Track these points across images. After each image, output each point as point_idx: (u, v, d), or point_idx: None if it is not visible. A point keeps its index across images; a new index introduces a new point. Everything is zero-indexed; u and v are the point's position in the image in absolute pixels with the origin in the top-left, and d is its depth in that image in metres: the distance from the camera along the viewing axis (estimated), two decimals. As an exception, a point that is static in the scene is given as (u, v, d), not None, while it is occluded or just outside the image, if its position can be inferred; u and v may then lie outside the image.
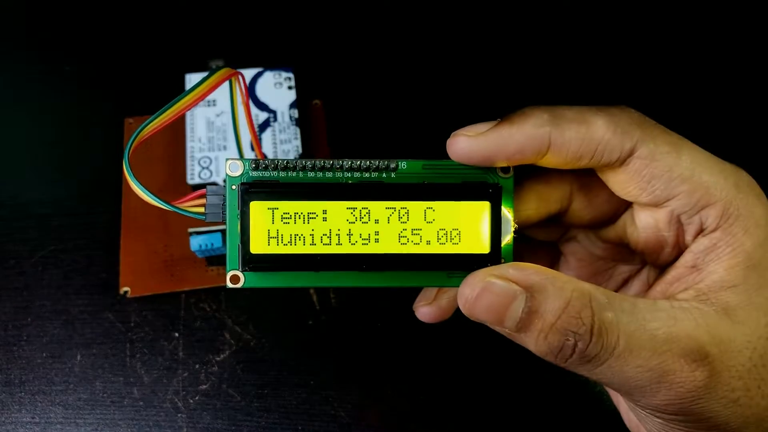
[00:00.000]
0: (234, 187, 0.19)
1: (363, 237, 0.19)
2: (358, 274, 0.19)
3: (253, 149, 0.35)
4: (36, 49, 0.40)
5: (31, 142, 0.37)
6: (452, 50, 0.40)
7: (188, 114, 0.35)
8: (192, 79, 0.36)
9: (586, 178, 0.20)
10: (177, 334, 0.32)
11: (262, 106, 0.36)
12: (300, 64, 0.37)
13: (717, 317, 0.17)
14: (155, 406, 0.30)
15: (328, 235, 0.19)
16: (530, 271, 0.17)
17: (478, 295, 0.17)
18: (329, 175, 0.19)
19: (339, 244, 0.19)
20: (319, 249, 0.19)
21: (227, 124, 0.35)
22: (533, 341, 0.17)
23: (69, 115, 0.37)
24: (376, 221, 0.19)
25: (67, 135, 0.37)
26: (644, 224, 0.20)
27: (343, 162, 0.19)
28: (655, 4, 0.41)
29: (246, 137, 0.35)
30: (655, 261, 0.21)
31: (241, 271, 0.19)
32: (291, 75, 0.36)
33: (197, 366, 0.31)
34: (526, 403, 0.30)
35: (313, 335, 0.32)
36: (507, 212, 0.19)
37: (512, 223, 0.19)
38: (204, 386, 0.30)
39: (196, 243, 0.30)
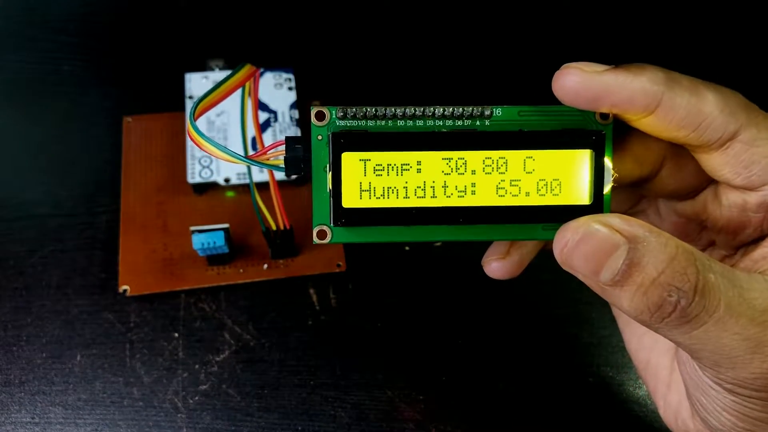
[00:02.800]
0: (320, 137, 0.18)
1: (459, 189, 0.18)
2: (453, 228, 0.18)
3: (255, 147, 0.35)
4: (36, 49, 0.40)
5: (30, 142, 0.37)
6: (452, 50, 0.40)
7: (188, 113, 0.35)
8: (192, 78, 0.36)
9: (679, 147, 0.20)
10: (177, 335, 0.32)
11: (263, 107, 0.36)
12: (300, 64, 0.37)
13: None
14: (155, 407, 0.30)
15: (422, 187, 0.18)
16: (635, 223, 0.16)
17: (579, 241, 0.17)
18: (420, 123, 0.18)
19: (434, 196, 0.18)
20: (414, 202, 0.18)
21: (227, 123, 0.35)
22: (629, 297, 0.16)
23: (69, 115, 0.37)
24: (473, 172, 0.18)
25: (67, 135, 0.37)
26: (731, 203, 0.19)
27: (435, 109, 0.18)
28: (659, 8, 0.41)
29: (249, 133, 0.35)
30: (731, 241, 0.20)
31: (332, 226, 0.18)
32: (291, 76, 0.36)
33: (197, 366, 0.31)
34: (530, 405, 0.30)
35: (313, 335, 0.32)
36: (608, 162, 0.18)
37: (612, 172, 0.18)
38: (204, 386, 0.30)
39: (198, 241, 0.30)
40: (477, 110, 0.18)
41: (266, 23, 0.41)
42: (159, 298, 0.32)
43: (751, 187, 0.18)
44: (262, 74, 0.36)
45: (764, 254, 0.19)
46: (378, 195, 0.18)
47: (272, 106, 0.36)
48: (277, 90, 0.36)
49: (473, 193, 0.18)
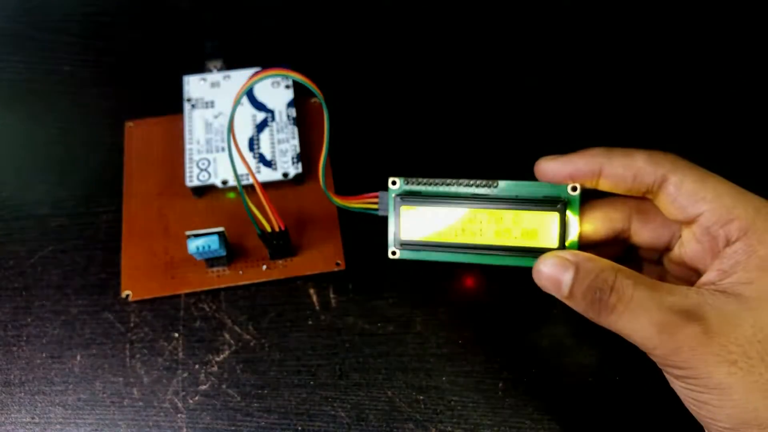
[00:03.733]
0: (393, 195, 0.27)
1: (473, 232, 0.27)
2: (469, 254, 0.27)
3: (252, 146, 0.35)
4: (36, 49, 0.40)
5: (30, 142, 0.37)
6: (451, 49, 0.40)
7: (186, 116, 0.35)
8: (190, 81, 0.36)
9: (645, 206, 0.26)
10: (177, 335, 0.32)
11: (260, 106, 0.36)
12: (297, 63, 0.37)
13: (726, 299, 0.22)
14: (155, 407, 0.30)
15: (450, 230, 0.27)
16: (579, 254, 0.24)
17: (542, 268, 0.24)
18: (452, 189, 0.27)
19: (457, 235, 0.27)
20: (444, 238, 0.27)
21: (225, 125, 0.35)
22: (577, 302, 0.24)
23: (69, 116, 0.37)
24: (481, 222, 0.27)
25: (67, 135, 0.37)
26: (686, 239, 0.25)
27: (462, 180, 0.27)
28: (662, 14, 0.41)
29: (242, 139, 0.35)
30: (702, 271, 0.25)
31: (397, 249, 0.28)
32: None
33: (197, 366, 0.31)
34: (529, 405, 0.30)
35: (313, 335, 0.32)
36: (574, 219, 0.26)
37: (579, 224, 0.26)
38: (204, 386, 0.30)
39: (193, 246, 0.30)
40: (488, 182, 0.27)
41: (264, 23, 0.41)
42: (159, 299, 0.32)
43: (689, 219, 0.24)
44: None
45: (708, 279, 0.24)
46: (423, 232, 0.27)
47: (269, 105, 0.36)
48: (273, 89, 0.36)
49: (481, 235, 0.27)
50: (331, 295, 0.33)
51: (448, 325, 0.32)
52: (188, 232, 0.31)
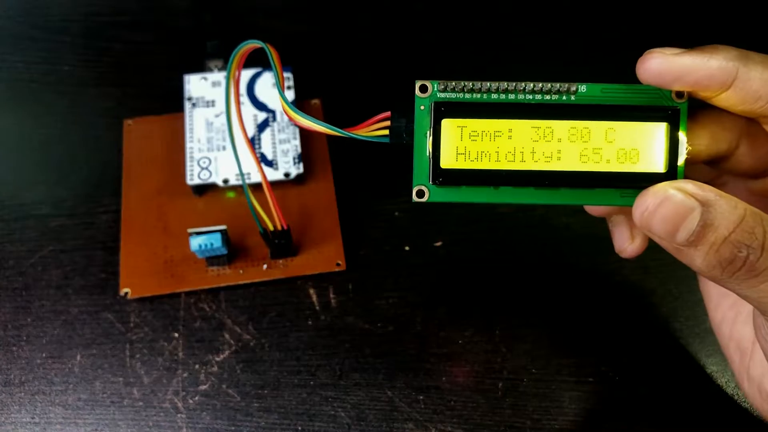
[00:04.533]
0: (422, 107, 0.20)
1: (546, 155, 0.20)
2: (537, 191, 0.20)
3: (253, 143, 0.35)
4: (36, 49, 0.40)
5: (30, 142, 0.37)
6: (451, 49, 0.40)
7: (187, 114, 0.35)
8: (191, 80, 0.36)
9: (754, 127, 0.21)
10: (177, 335, 0.32)
11: (261, 106, 0.36)
12: (298, 63, 0.37)
13: None
14: (155, 407, 0.30)
15: (512, 152, 0.20)
16: (707, 188, 0.18)
17: (658, 205, 0.19)
18: (512, 96, 0.20)
19: (523, 161, 0.20)
20: (504, 165, 0.20)
21: (226, 124, 0.35)
22: (703, 254, 0.18)
23: (69, 116, 0.37)
24: (559, 140, 0.20)
25: (67, 135, 0.37)
26: None
27: (525, 84, 0.20)
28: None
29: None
30: None
31: (430, 185, 0.20)
32: (290, 74, 0.36)
33: (197, 366, 0.31)
34: (529, 405, 0.30)
35: (313, 335, 0.32)
36: (682, 135, 0.20)
37: (686, 145, 0.20)
38: (204, 386, 0.30)
39: (195, 243, 0.30)
40: (563, 86, 0.20)
41: (264, 23, 0.41)
42: (159, 299, 0.32)
43: None
44: (260, 74, 0.36)
45: None
46: (472, 158, 0.20)
47: (270, 106, 0.36)
48: (275, 89, 0.36)
49: (559, 159, 0.20)
50: (332, 295, 0.33)
51: (448, 325, 0.32)
52: (190, 230, 0.30)
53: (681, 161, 0.20)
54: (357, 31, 0.40)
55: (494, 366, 0.31)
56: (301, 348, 0.31)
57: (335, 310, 0.32)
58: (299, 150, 0.34)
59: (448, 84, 0.20)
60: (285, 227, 0.31)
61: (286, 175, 0.34)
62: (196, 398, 0.30)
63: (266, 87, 0.36)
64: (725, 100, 0.20)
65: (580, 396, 0.30)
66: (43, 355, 0.31)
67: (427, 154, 0.20)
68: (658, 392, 0.30)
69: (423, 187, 0.20)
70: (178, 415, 0.30)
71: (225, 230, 0.31)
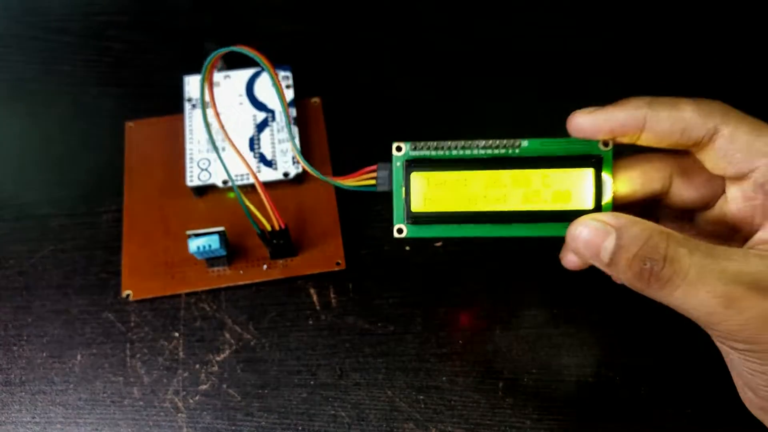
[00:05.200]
0: (398, 164, 0.24)
1: (496, 198, 0.24)
2: (492, 226, 0.24)
3: (252, 146, 0.35)
4: (36, 49, 0.40)
5: (31, 142, 0.37)
6: (450, 49, 0.40)
7: (187, 116, 0.35)
8: (190, 81, 0.36)
9: (686, 162, 0.24)
10: (177, 334, 0.32)
11: (260, 106, 0.36)
12: (298, 62, 0.37)
13: None
14: (155, 406, 0.30)
15: (468, 197, 0.24)
16: (623, 217, 0.22)
17: (580, 232, 0.22)
18: (468, 152, 0.24)
19: (477, 204, 0.24)
20: (463, 207, 0.24)
21: (225, 123, 0.35)
22: (623, 270, 0.21)
23: (69, 116, 0.37)
24: (506, 186, 0.24)
25: (67, 135, 0.37)
26: (734, 196, 0.23)
27: (478, 141, 0.24)
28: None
29: (243, 139, 0.35)
30: (748, 232, 0.24)
31: (407, 224, 0.24)
32: (289, 74, 0.36)
33: (197, 366, 0.31)
34: (529, 404, 0.30)
35: (313, 335, 0.32)
36: (607, 177, 0.24)
37: (612, 184, 0.24)
38: (204, 386, 0.30)
39: (194, 245, 0.30)
40: (509, 142, 0.24)
41: (265, 23, 0.41)
42: (159, 299, 0.32)
43: (741, 175, 0.22)
44: (259, 73, 0.36)
45: (763, 237, 0.22)
46: (438, 203, 0.24)
47: (270, 105, 0.36)
48: (273, 89, 0.36)
49: (506, 201, 0.24)
50: (332, 295, 0.33)
51: (448, 325, 0.32)
52: (189, 232, 0.31)
53: (607, 199, 0.24)
54: (357, 31, 0.40)
55: (494, 366, 0.31)
56: (302, 348, 0.31)
57: (335, 310, 0.32)
58: (299, 149, 0.34)
59: (418, 144, 0.24)
60: (282, 227, 0.31)
61: (285, 174, 0.34)
62: (197, 398, 0.30)
63: (265, 87, 0.36)
64: (646, 141, 0.23)
65: (580, 396, 0.30)
66: (44, 354, 0.31)
67: (402, 199, 0.24)
68: (658, 392, 0.30)
69: (402, 226, 0.25)
70: (179, 414, 0.30)
71: (223, 232, 0.31)
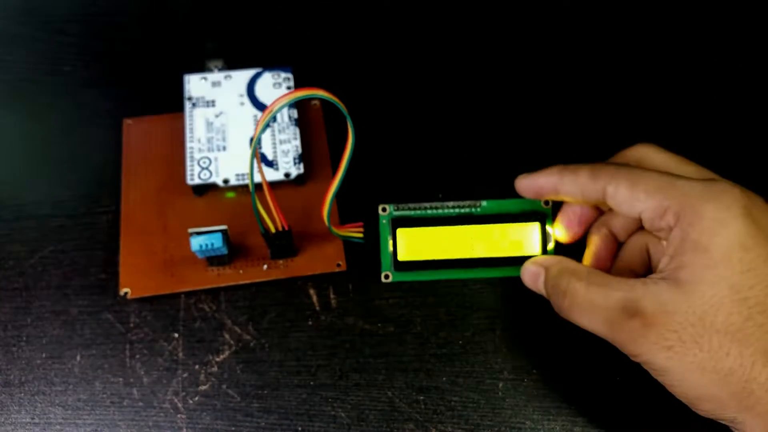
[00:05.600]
0: (384, 221, 0.30)
1: (465, 248, 0.30)
2: (463, 270, 0.30)
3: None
4: (36, 49, 0.40)
5: (30, 142, 0.37)
6: (450, 48, 0.40)
7: (187, 114, 0.35)
8: (191, 80, 0.36)
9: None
10: (177, 335, 0.32)
11: (261, 107, 0.36)
12: (299, 64, 0.37)
13: (666, 287, 0.24)
14: (155, 407, 0.30)
15: (443, 248, 0.30)
16: (549, 258, 0.29)
17: (525, 272, 0.29)
18: (440, 211, 0.30)
19: (450, 253, 0.30)
20: (439, 256, 0.30)
21: (226, 124, 0.35)
22: (549, 297, 0.28)
23: (69, 115, 0.37)
24: (471, 238, 0.30)
25: (67, 135, 0.37)
26: (646, 234, 0.29)
27: (447, 203, 0.30)
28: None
29: (243, 138, 0.35)
30: (654, 262, 0.29)
31: (393, 271, 0.30)
32: (290, 75, 0.36)
33: (197, 366, 0.31)
34: (529, 405, 0.30)
35: (313, 335, 0.32)
36: (549, 229, 0.30)
37: (553, 236, 0.30)
38: (204, 387, 0.30)
39: (196, 243, 0.30)
40: (472, 203, 0.30)
41: (265, 23, 0.41)
42: (159, 299, 0.32)
43: (637, 218, 0.27)
44: (260, 74, 0.36)
45: (659, 266, 0.26)
46: (418, 253, 0.30)
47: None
48: (275, 89, 0.36)
49: (472, 250, 0.30)
50: (332, 296, 0.33)
51: (448, 325, 0.32)
52: (191, 230, 0.30)
53: (550, 245, 0.30)
54: (357, 31, 0.40)
55: (494, 366, 0.31)
56: (302, 348, 0.31)
57: (335, 311, 0.32)
58: (299, 150, 0.34)
59: (400, 205, 0.30)
60: (286, 228, 0.31)
61: (287, 175, 0.34)
62: (196, 398, 0.30)
63: (267, 88, 0.36)
64: (566, 200, 0.29)
65: (579, 396, 0.30)
66: (43, 355, 0.31)
67: (389, 250, 0.30)
68: (657, 392, 0.30)
69: (388, 272, 0.30)
70: (178, 415, 0.30)
71: (226, 230, 0.31)
